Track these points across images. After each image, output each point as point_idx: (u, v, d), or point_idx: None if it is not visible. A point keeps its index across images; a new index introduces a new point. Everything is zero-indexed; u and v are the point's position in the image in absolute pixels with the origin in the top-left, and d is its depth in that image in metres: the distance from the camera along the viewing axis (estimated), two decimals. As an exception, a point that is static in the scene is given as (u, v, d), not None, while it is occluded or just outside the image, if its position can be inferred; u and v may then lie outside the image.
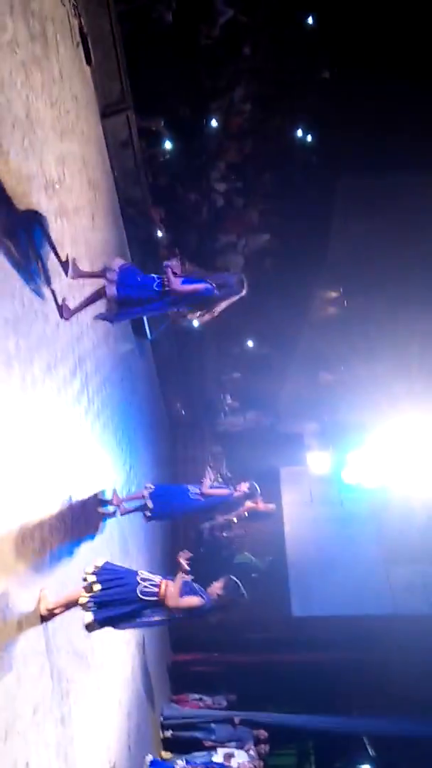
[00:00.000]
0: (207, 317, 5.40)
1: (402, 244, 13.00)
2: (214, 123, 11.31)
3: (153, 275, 5.26)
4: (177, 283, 5.13)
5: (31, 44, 4.91)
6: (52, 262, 4.96)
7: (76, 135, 6.33)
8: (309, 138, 13.45)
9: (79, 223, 6.16)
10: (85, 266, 5.85)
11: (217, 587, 4.63)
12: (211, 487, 7.07)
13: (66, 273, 5.16)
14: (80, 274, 5.29)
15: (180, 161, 11.20)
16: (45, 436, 4.50)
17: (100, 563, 4.53)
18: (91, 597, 4.25)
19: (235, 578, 4.71)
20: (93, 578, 4.37)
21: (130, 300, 5.17)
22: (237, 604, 4.68)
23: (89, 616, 4.22)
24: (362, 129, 12.65)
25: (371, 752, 11.37)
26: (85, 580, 4.38)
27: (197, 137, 11.40)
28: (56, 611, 4.27)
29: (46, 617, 4.18)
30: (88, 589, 4.30)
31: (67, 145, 5.89)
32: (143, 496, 6.90)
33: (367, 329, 14.24)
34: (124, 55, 8.08)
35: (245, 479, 7.37)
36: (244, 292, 5.29)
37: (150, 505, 6.82)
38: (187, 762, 7.17)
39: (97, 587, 4.30)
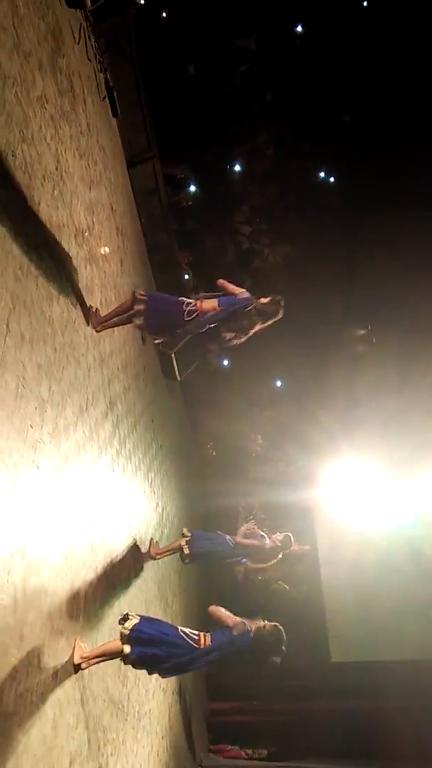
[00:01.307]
0: (242, 339, 5.33)
1: (427, 279, 13.02)
2: (237, 167, 11.52)
3: (183, 299, 5.24)
4: (210, 303, 5.13)
5: (59, 99, 5.09)
6: (81, 307, 5.04)
7: (103, 184, 6.50)
8: (331, 179, 13.65)
9: (108, 269, 6.28)
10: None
11: (263, 626, 4.52)
12: (245, 537, 6.99)
13: (89, 324, 5.17)
14: (101, 322, 5.27)
15: (205, 206, 11.43)
16: (78, 481, 4.51)
17: (135, 619, 4.43)
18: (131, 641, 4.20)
19: (283, 631, 4.58)
20: (131, 624, 4.32)
21: (160, 321, 5.18)
22: (273, 654, 4.54)
23: (127, 649, 4.17)
24: (383, 168, 12.82)
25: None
26: (122, 628, 4.33)
27: (221, 182, 11.64)
28: (91, 662, 4.21)
29: (80, 667, 4.12)
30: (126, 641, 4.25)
31: (96, 194, 6.04)
32: (180, 546, 6.86)
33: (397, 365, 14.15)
34: (149, 106, 8.33)
35: (280, 530, 7.24)
36: (280, 314, 5.26)
37: (187, 551, 6.78)
38: None
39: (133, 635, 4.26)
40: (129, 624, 4.33)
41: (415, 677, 11.63)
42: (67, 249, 4.84)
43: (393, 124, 12.72)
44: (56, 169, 4.77)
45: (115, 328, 5.58)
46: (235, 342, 5.37)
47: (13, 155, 3.87)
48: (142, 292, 5.20)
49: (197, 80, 10.70)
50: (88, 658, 4.16)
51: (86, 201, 5.60)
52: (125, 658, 4.24)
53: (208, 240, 11.60)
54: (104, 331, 5.47)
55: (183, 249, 10.53)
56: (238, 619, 4.47)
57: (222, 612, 4.46)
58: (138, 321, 5.14)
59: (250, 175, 12.63)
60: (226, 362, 13.79)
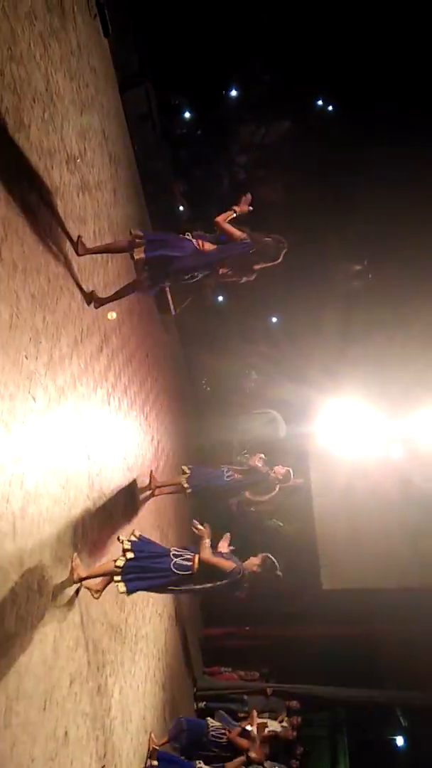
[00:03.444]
0: (243, 279, 5.19)
1: (426, 213, 12.76)
2: (234, 93, 11.11)
3: (184, 237, 5.03)
4: (210, 245, 5.00)
5: (48, 16, 4.83)
6: (74, 237, 4.92)
7: (95, 108, 6.26)
8: (330, 108, 13.21)
9: (101, 198, 6.12)
10: (108, 241, 5.82)
11: (254, 562, 4.63)
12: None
13: (77, 251, 4.94)
14: (87, 251, 5.04)
15: (200, 134, 11.08)
16: (74, 413, 4.51)
17: (136, 534, 4.56)
18: (126, 563, 4.28)
19: (272, 557, 4.69)
20: (128, 545, 4.40)
21: (162, 262, 4.91)
22: (271, 581, 4.66)
23: (122, 587, 4.25)
24: (383, 98, 12.39)
25: (403, 723, 11.43)
26: (121, 543, 4.41)
27: (217, 109, 11.25)
28: (89, 580, 4.30)
29: (78, 585, 4.20)
30: (123, 555, 4.34)
31: (87, 118, 5.82)
32: (180, 483, 6.96)
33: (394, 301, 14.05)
34: (141, 26, 7.96)
35: (282, 463, 7.30)
36: (281, 258, 5.14)
37: (187, 487, 6.88)
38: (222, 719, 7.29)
39: (130, 554, 4.34)
40: (125, 537, 4.47)
41: (403, 604, 11.99)
42: (59, 176, 4.69)
43: (396, 52, 12.21)
44: (46, 90, 4.57)
45: (109, 261, 5.46)
46: (233, 280, 5.25)
47: (1, 74, 3.69)
48: (140, 234, 4.94)
49: (192, -1, 10.19)
50: (85, 578, 4.25)
51: (78, 126, 5.39)
52: (120, 570, 4.32)
53: (203, 170, 11.28)
54: (98, 263, 5.35)
55: (177, 179, 10.26)
56: (229, 563, 4.54)
57: (217, 560, 4.52)
58: (138, 256, 4.93)
59: (247, 103, 12.20)
60: (221, 298, 13.65)
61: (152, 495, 7.08)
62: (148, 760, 5.85)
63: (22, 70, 4.06)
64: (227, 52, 11.58)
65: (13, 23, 3.97)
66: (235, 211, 5.01)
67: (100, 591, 4.49)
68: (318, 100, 13.25)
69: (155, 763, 5.85)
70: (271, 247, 5.05)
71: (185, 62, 10.46)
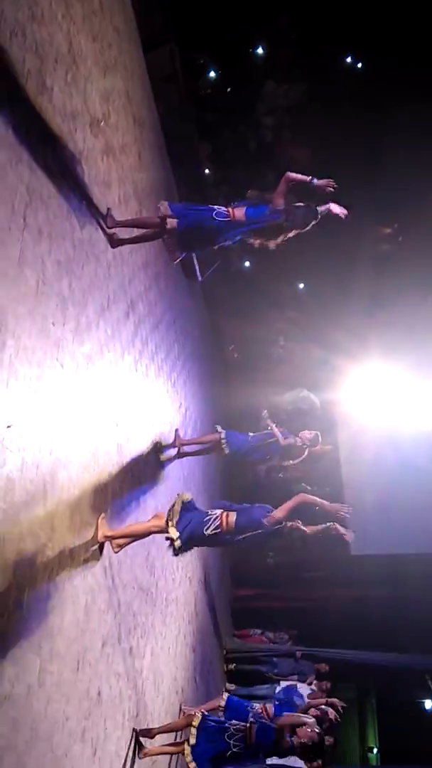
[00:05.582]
0: (273, 245, 5.10)
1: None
2: (260, 51, 10.79)
3: (213, 206, 4.97)
4: (241, 212, 4.91)
5: (69, -27, 4.71)
6: (99, 202, 4.87)
7: (119, 70, 6.13)
8: (359, 65, 12.81)
9: (126, 162, 6.03)
10: (133, 206, 5.77)
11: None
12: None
13: (106, 225, 4.92)
14: (117, 224, 5.00)
15: (225, 95, 10.83)
16: (102, 379, 4.51)
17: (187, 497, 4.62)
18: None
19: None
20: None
21: (192, 230, 4.89)
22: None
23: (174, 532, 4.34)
24: (415, 56, 11.96)
25: (432, 686, 11.51)
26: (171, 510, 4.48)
27: (243, 69, 10.97)
28: (115, 540, 4.33)
29: (102, 544, 4.22)
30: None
31: (111, 80, 5.71)
32: (214, 440, 6.95)
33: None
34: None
35: (308, 427, 7.25)
36: (311, 225, 5.03)
37: (224, 443, 6.86)
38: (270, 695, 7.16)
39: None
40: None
41: (428, 570, 12.01)
42: (83, 139, 4.62)
43: (426, 8, 11.74)
44: (69, 51, 4.48)
45: (134, 230, 5.37)
46: (262, 246, 5.17)
47: (23, 35, 3.62)
48: (168, 212, 4.89)
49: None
50: (113, 537, 4.29)
51: (101, 87, 5.29)
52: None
53: (229, 131, 11.05)
54: (124, 229, 5.29)
55: (203, 141, 10.07)
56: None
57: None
58: (170, 227, 4.88)
59: (273, 62, 11.87)
60: (247, 264, 13.48)
61: (178, 454, 7.06)
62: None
63: (44, 31, 3.97)
64: (252, 8, 11.25)
65: (34, -19, 3.87)
66: (311, 182, 4.86)
67: (121, 546, 4.45)
68: (346, 57, 12.86)
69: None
70: (302, 215, 4.97)
71: (210, 21, 10.19)
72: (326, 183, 4.85)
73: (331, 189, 4.86)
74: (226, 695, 6.34)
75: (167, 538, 4.38)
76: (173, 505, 4.51)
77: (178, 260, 5.45)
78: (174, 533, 4.32)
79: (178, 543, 4.33)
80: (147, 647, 5.27)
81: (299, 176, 4.84)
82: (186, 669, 6.86)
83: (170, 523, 4.36)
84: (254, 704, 6.28)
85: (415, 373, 13.51)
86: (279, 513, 4.61)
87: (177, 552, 4.42)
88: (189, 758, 4.72)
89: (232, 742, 4.83)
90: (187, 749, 4.76)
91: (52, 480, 3.38)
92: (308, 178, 4.86)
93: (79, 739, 3.52)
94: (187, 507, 4.60)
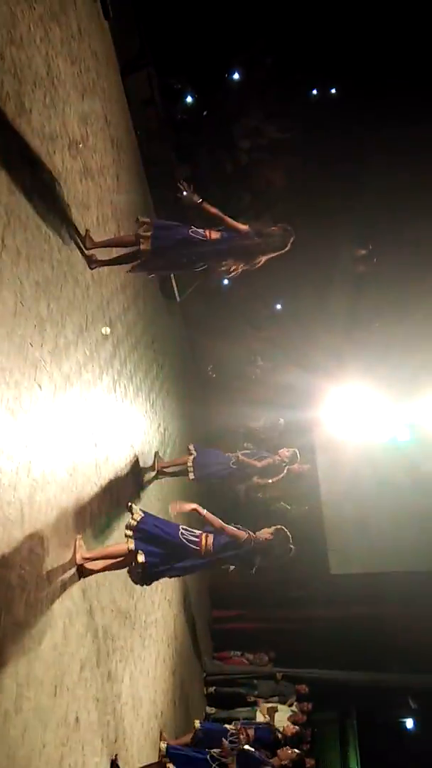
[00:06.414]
0: (247, 268, 5.18)
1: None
2: (236, 76, 10.98)
3: (190, 226, 5.07)
4: (216, 233, 4.99)
5: (48, -2, 4.77)
6: (77, 223, 4.89)
7: (97, 93, 6.20)
8: (333, 91, 13.07)
9: (104, 184, 6.07)
10: (111, 227, 5.80)
11: (266, 532, 4.56)
12: (248, 457, 7.08)
13: (84, 246, 4.97)
14: (95, 245, 5.08)
15: (202, 119, 10.97)
16: (80, 400, 4.50)
17: (140, 515, 4.45)
18: (135, 534, 4.23)
19: (285, 529, 4.62)
20: (139, 516, 4.35)
21: (167, 252, 5.01)
22: (282, 556, 4.60)
23: (141, 557, 4.17)
24: (389, 80, 12.24)
25: (413, 706, 11.48)
26: (131, 513, 4.37)
27: (219, 93, 11.13)
28: (93, 562, 4.26)
29: (82, 568, 4.15)
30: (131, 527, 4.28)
31: (89, 103, 5.77)
32: (185, 462, 6.98)
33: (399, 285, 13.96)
34: (142, 9, 7.87)
35: (286, 445, 7.30)
36: (287, 248, 5.11)
37: (191, 469, 6.90)
38: (241, 723, 7.00)
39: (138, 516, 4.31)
40: (137, 516, 4.35)
41: (411, 588, 12.03)
42: (61, 161, 4.65)
43: (399, 33, 12.04)
44: (47, 74, 4.52)
45: (113, 250, 5.41)
46: (239, 269, 5.22)
47: (1, 57, 3.65)
48: (147, 220, 5.02)
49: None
50: (91, 558, 4.21)
51: (79, 110, 5.34)
52: (132, 566, 4.26)
53: (206, 155, 11.18)
54: (102, 250, 5.31)
55: (180, 164, 10.17)
56: (242, 532, 4.52)
57: (230, 529, 4.48)
58: (144, 247, 4.95)
59: (249, 86, 12.07)
60: (226, 281, 13.58)
61: (158, 474, 7.07)
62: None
63: (23, 54, 4.01)
64: (228, 34, 11.44)
65: (13, 6, 3.91)
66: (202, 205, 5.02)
67: (95, 572, 4.38)
68: (320, 83, 13.12)
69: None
70: (278, 236, 5.05)
71: (187, 45, 10.34)
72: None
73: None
74: (198, 723, 6.32)
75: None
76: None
77: (152, 276, 5.52)
78: (141, 557, 4.22)
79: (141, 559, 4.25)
80: (126, 671, 5.20)
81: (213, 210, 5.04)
82: (165, 692, 6.78)
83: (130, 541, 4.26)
84: (231, 728, 6.23)
85: (392, 391, 13.66)
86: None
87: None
88: None
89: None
90: None
91: (29, 501, 3.35)
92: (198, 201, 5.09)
93: (56, 766, 3.46)
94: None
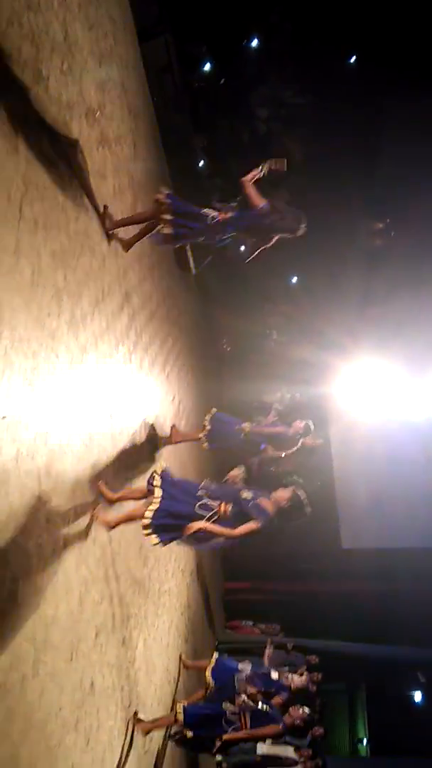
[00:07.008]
0: (260, 246, 5.20)
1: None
2: (255, 43, 10.77)
3: (206, 209, 5.07)
4: (230, 213, 4.99)
5: (65, -39, 4.68)
6: (94, 193, 4.85)
7: (114, 60, 6.10)
8: (353, 60, 12.78)
9: (121, 152, 6.01)
10: (128, 197, 5.75)
11: (283, 497, 4.52)
12: (265, 426, 7.08)
13: (104, 226, 4.98)
14: (115, 224, 5.11)
15: (220, 87, 10.79)
16: (96, 371, 4.51)
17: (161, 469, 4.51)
18: (153, 514, 4.25)
19: (301, 493, 4.55)
20: (159, 481, 4.38)
21: (184, 237, 5.17)
22: (299, 518, 4.56)
23: (154, 539, 4.22)
24: (408, 49, 11.95)
25: (422, 679, 11.60)
26: (151, 482, 4.40)
27: (238, 60, 10.93)
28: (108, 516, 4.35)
29: (95, 533, 4.21)
30: (151, 492, 4.32)
31: (106, 70, 5.68)
32: (199, 435, 7.01)
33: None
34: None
35: (300, 417, 7.28)
36: (300, 232, 5.09)
37: (207, 441, 6.94)
38: (253, 667, 7.06)
39: (158, 492, 4.31)
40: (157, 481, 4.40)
41: (422, 563, 12.10)
42: (78, 129, 4.60)
43: (421, 2, 11.73)
44: (64, 40, 4.45)
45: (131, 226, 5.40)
46: (259, 247, 5.24)
47: (19, 24, 3.59)
48: (166, 194, 5.01)
49: None
50: (120, 498, 4.41)
51: (97, 78, 5.27)
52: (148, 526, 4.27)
53: (224, 124, 11.01)
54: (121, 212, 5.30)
55: (197, 133, 10.04)
56: (253, 523, 4.40)
57: (243, 529, 4.30)
58: (166, 230, 5.00)
59: (268, 54, 11.83)
60: (243, 248, 13.48)
61: (171, 442, 7.09)
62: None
63: (40, 20, 3.95)
64: (247, 1, 11.20)
65: (30, -31, 3.84)
66: (262, 171, 4.91)
67: (113, 526, 4.41)
68: (341, 52, 12.84)
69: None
70: (290, 221, 5.03)
71: (205, 12, 10.14)
72: (279, 165, 4.91)
73: (283, 168, 4.93)
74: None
75: None
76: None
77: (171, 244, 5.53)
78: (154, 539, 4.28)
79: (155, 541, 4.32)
80: (140, 638, 5.29)
81: (252, 174, 4.90)
82: (178, 660, 6.89)
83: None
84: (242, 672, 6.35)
85: (406, 367, 13.59)
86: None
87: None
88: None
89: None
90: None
91: (47, 470, 3.38)
92: (260, 168, 4.92)
93: (72, 728, 3.54)
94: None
